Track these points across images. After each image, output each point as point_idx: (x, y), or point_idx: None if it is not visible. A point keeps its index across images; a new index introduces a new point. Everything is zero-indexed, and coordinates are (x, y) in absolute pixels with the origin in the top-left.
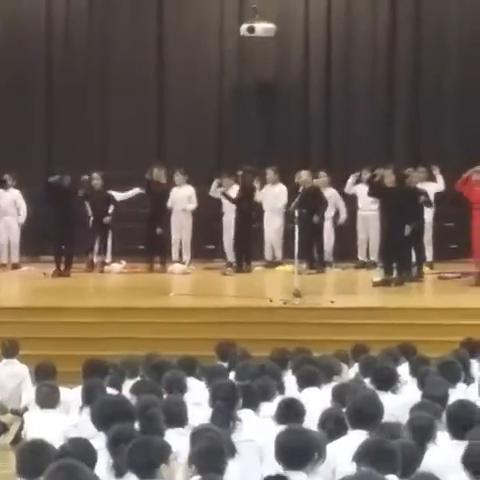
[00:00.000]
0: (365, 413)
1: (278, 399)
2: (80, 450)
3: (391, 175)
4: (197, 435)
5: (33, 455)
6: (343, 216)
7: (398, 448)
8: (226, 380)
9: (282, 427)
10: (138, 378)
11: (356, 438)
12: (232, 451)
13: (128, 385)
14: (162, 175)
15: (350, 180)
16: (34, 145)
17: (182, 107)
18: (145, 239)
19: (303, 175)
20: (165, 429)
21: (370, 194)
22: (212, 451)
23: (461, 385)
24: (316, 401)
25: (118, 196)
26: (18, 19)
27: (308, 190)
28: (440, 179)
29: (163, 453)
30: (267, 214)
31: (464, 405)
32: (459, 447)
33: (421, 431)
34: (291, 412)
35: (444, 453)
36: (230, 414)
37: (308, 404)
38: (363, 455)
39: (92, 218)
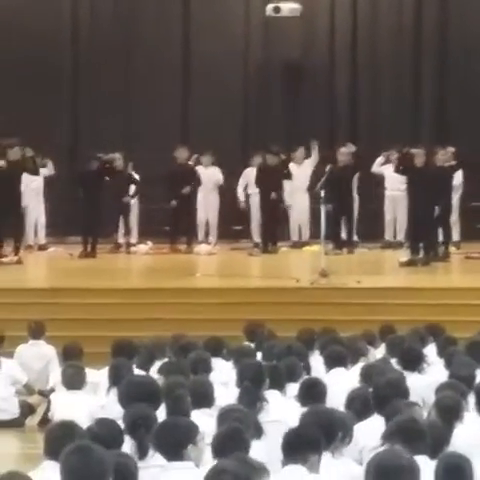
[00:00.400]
0: (390, 398)
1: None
2: (106, 431)
3: (422, 155)
4: (224, 416)
5: (62, 436)
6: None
7: (427, 428)
8: (253, 360)
9: (306, 408)
10: (165, 359)
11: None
12: (258, 432)
13: (156, 366)
14: (184, 155)
15: (379, 159)
16: (59, 127)
17: (208, 88)
18: (170, 220)
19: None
20: (191, 410)
21: (397, 171)
22: (236, 432)
23: None
24: (343, 381)
25: None
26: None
27: (335, 169)
28: None
29: (190, 434)
30: (294, 194)
31: None
32: None
33: (448, 411)
34: (314, 392)
35: (472, 432)
36: (257, 394)
37: (335, 384)
38: (392, 435)
39: (113, 198)
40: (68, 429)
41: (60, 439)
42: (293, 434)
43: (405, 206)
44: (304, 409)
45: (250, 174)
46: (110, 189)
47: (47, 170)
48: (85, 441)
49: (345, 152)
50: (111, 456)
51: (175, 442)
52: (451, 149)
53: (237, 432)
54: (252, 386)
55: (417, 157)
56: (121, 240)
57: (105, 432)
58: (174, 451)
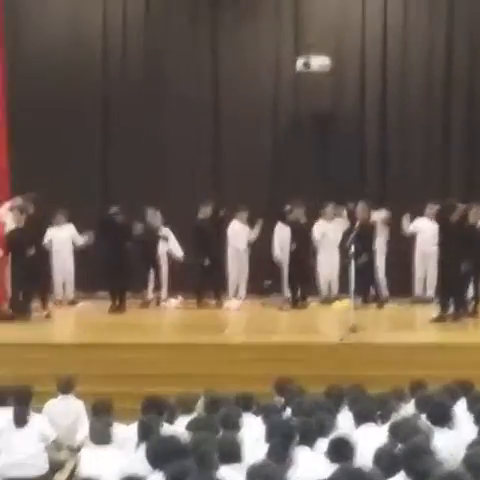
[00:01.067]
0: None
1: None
2: None
3: (459, 211)
4: (253, 472)
5: None
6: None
7: None
8: (282, 416)
9: (335, 465)
10: (194, 415)
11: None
12: None
13: (184, 422)
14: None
15: (404, 221)
16: (89, 179)
17: (237, 143)
18: (197, 274)
19: (360, 210)
20: (219, 465)
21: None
22: None
23: None
24: (373, 438)
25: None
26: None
27: (364, 226)
28: None
29: None
30: (324, 250)
31: None
32: None
33: (477, 468)
34: (343, 450)
35: None
36: (286, 451)
37: (364, 440)
38: None
39: (144, 253)
40: None
41: None
42: None
43: (436, 261)
44: (333, 465)
45: (281, 228)
46: (141, 244)
47: (87, 238)
48: None
49: (366, 208)
50: None
51: None
52: None
53: None
54: (281, 442)
55: (453, 212)
56: (150, 296)
57: None
58: None
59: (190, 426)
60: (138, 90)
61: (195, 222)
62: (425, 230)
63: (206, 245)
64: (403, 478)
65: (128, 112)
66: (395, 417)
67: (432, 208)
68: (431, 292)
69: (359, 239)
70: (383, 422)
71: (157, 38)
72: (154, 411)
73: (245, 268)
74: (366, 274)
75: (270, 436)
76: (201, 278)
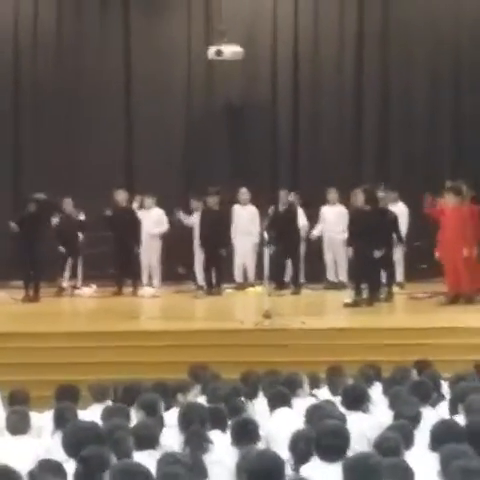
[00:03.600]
0: (331, 446)
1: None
2: (51, 472)
3: (361, 195)
4: (162, 462)
5: None
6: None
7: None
8: (197, 403)
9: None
10: (108, 402)
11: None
12: (203, 473)
13: (98, 409)
14: (123, 197)
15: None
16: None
17: (150, 130)
18: (116, 263)
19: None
20: (133, 452)
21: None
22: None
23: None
24: (287, 422)
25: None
26: None
27: (279, 212)
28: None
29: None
30: (239, 236)
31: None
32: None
33: (390, 452)
34: (245, 433)
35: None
36: (202, 436)
37: (278, 425)
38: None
39: (62, 243)
40: (3, 474)
41: None
42: None
43: (343, 247)
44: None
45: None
46: (59, 233)
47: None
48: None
49: (286, 194)
50: None
51: None
52: (393, 191)
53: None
54: (197, 427)
55: (354, 196)
56: (65, 284)
57: (49, 473)
58: None
59: (103, 414)
60: (51, 78)
61: (112, 211)
62: (329, 217)
63: (117, 232)
64: (317, 461)
65: (41, 98)
66: (309, 401)
67: (332, 193)
68: (343, 277)
69: (274, 225)
70: (296, 406)
71: (68, 23)
72: (68, 398)
73: (157, 255)
74: (284, 260)
75: (184, 422)
76: (117, 266)
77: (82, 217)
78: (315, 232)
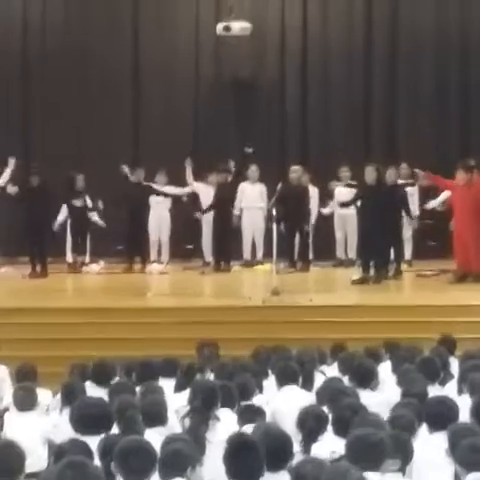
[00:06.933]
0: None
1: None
2: (79, 451)
3: (372, 172)
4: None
5: (2, 457)
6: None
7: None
8: (204, 379)
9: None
10: (117, 379)
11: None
12: (202, 450)
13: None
14: (141, 176)
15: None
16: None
17: (158, 107)
18: (125, 239)
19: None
20: (144, 429)
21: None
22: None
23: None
24: (296, 399)
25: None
26: None
27: (286, 187)
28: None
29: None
30: (248, 213)
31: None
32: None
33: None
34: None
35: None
36: (208, 413)
37: (286, 402)
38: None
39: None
40: (7, 449)
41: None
42: None
43: (355, 224)
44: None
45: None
46: (76, 210)
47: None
48: (77, 457)
49: (296, 169)
50: None
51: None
52: (404, 166)
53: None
54: (203, 405)
55: (367, 174)
56: (72, 260)
57: (77, 452)
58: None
59: (111, 391)
60: (60, 56)
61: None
62: (340, 194)
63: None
64: (331, 436)
65: (50, 76)
66: (318, 379)
67: (345, 171)
68: (352, 254)
69: (283, 201)
70: (305, 384)
71: (77, 7)
72: (76, 375)
73: (166, 231)
74: (293, 237)
75: (193, 398)
76: (128, 243)
77: (101, 206)
78: (326, 210)
